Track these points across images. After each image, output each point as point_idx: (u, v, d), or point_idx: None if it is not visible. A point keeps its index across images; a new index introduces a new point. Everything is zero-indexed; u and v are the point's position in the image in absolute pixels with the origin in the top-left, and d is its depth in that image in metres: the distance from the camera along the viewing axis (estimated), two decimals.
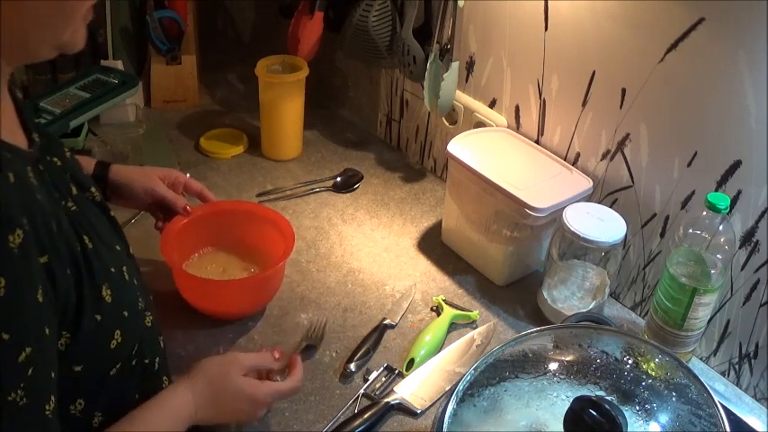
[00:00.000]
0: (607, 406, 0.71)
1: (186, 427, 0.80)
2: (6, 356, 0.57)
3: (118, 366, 0.73)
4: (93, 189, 0.80)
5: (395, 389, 1.00)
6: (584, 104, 1.13)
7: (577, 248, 1.07)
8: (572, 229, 1.04)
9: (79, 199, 0.73)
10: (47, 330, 0.61)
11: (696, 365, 1.08)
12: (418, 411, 0.98)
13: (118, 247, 0.77)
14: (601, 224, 1.06)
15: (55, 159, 0.73)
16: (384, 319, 1.11)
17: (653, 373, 0.82)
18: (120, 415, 0.75)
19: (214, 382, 0.83)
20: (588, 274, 1.09)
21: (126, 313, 0.73)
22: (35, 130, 0.72)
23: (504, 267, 1.18)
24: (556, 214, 1.11)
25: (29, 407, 0.59)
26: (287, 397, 0.93)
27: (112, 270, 0.72)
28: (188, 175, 1.16)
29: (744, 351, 1.04)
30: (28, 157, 0.67)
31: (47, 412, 0.61)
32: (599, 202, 1.16)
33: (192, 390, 0.81)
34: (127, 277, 0.75)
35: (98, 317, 0.68)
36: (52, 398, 0.62)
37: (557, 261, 1.10)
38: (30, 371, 0.59)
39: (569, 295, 1.12)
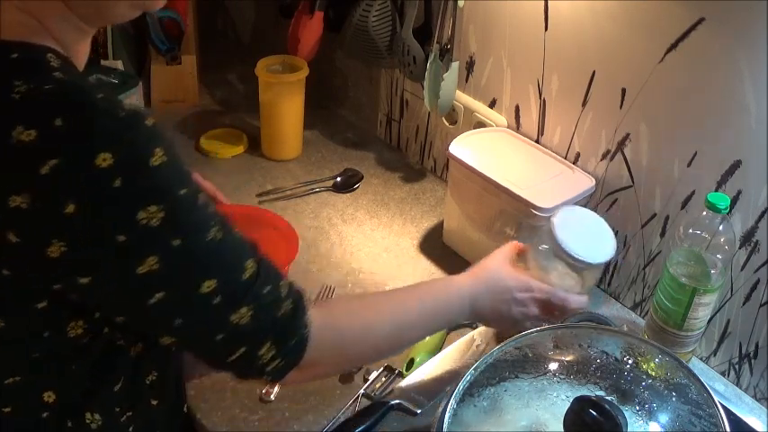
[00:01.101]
0: (607, 406, 0.71)
1: (462, 309, 0.90)
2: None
3: None
4: None
5: (395, 389, 1.00)
6: (584, 104, 1.13)
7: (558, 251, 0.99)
8: (558, 239, 0.95)
9: None
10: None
11: (696, 365, 1.08)
12: (418, 411, 0.98)
13: None
14: (589, 238, 0.97)
15: None
16: None
17: (653, 373, 0.82)
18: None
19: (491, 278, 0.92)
20: (564, 280, 1.00)
21: None
22: None
23: None
24: None
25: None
26: (568, 306, 0.94)
27: None
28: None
29: (744, 351, 1.04)
30: None
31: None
32: (599, 202, 1.16)
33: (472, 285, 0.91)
34: None
35: None
36: None
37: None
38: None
39: None
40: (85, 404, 0.74)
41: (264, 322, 0.70)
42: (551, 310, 0.93)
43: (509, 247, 0.98)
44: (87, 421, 0.74)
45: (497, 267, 0.94)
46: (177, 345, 0.71)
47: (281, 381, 0.75)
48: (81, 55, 0.71)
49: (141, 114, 0.62)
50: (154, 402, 0.80)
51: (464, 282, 0.92)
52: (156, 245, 0.62)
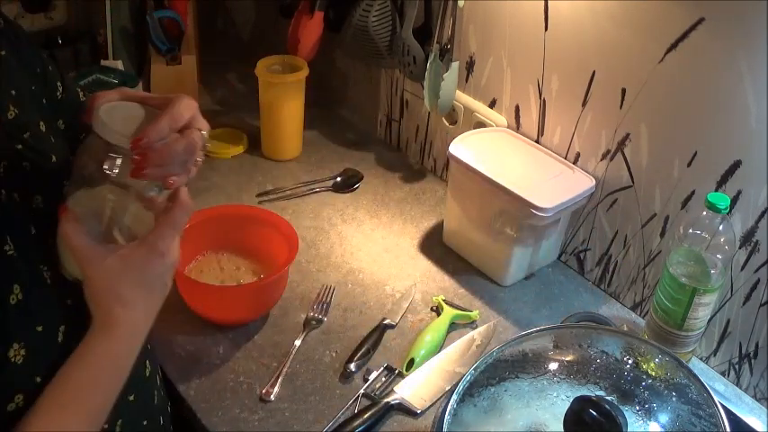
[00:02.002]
0: (607, 406, 0.71)
1: (122, 350, 0.69)
2: None
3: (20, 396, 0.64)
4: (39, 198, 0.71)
5: (395, 389, 1.00)
6: (584, 104, 1.13)
7: None
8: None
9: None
10: None
11: (696, 365, 1.08)
12: (418, 411, 0.98)
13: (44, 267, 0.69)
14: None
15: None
16: (384, 319, 1.11)
17: (653, 373, 0.82)
18: None
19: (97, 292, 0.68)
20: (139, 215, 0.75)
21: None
22: None
23: (508, 267, 1.18)
24: (561, 214, 1.12)
25: None
26: (175, 224, 0.70)
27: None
28: None
29: (744, 351, 1.04)
30: None
31: None
32: (599, 202, 1.16)
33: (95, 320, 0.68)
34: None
35: None
36: None
37: None
38: None
39: None
40: None
41: None
42: (167, 243, 0.69)
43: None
44: None
45: (101, 272, 0.67)
46: None
47: None
48: None
49: None
50: None
51: (92, 337, 0.68)
52: None
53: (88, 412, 0.68)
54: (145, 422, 0.84)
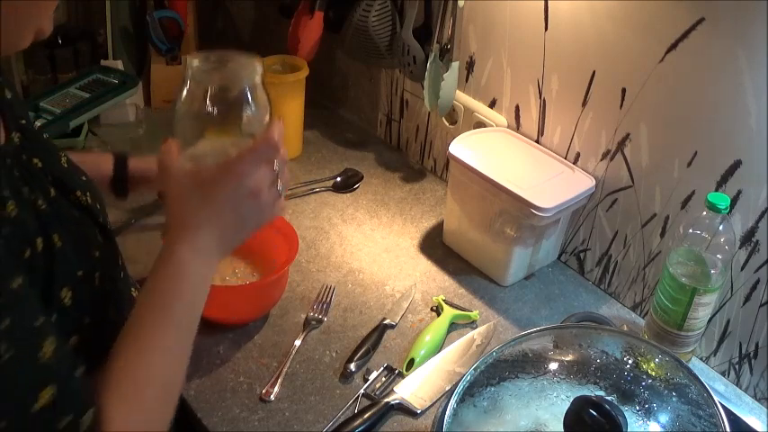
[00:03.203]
0: (607, 406, 0.71)
1: (199, 270, 0.72)
2: None
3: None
4: (79, 193, 0.77)
5: (395, 389, 1.00)
6: (584, 104, 1.13)
7: None
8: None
9: (56, 200, 0.71)
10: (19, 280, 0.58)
11: (696, 365, 1.08)
12: (418, 411, 0.98)
13: (97, 253, 0.74)
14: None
15: (35, 161, 0.72)
16: (384, 319, 1.11)
17: (653, 373, 0.82)
18: None
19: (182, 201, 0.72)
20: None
21: (87, 319, 0.70)
22: (17, 129, 0.72)
23: (508, 268, 1.18)
24: (561, 214, 1.12)
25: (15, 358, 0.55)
26: (258, 152, 0.74)
27: (79, 274, 0.69)
28: None
29: (744, 351, 1.04)
30: None
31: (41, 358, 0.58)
32: (599, 202, 1.16)
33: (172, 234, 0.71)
34: (97, 283, 0.72)
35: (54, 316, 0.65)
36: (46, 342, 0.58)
37: None
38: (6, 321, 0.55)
39: None
40: None
41: None
42: (267, 161, 0.75)
43: (167, 161, 0.75)
44: None
45: (176, 186, 0.73)
46: None
47: None
48: None
49: None
50: None
51: (173, 245, 0.72)
52: None
53: (177, 324, 0.71)
54: None
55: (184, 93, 0.74)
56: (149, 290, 0.71)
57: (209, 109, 0.72)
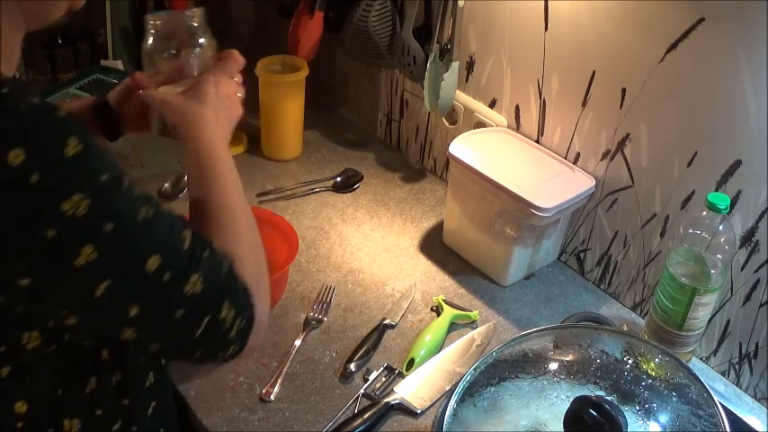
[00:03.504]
0: (607, 406, 0.71)
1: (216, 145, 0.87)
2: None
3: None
4: None
5: (395, 389, 1.00)
6: (584, 104, 1.13)
7: None
8: None
9: None
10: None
11: (696, 365, 1.08)
12: (418, 411, 0.98)
13: None
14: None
15: None
16: (384, 319, 1.11)
17: (653, 373, 0.82)
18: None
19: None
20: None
21: None
22: None
23: (508, 268, 1.18)
24: (561, 214, 1.12)
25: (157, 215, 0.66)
26: (224, 66, 0.98)
27: None
28: None
29: (744, 351, 1.04)
30: None
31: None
32: (599, 202, 1.16)
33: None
34: None
35: None
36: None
37: None
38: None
39: None
40: (60, 411, 0.72)
41: (216, 285, 0.70)
42: (231, 73, 1.00)
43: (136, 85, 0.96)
44: (66, 428, 0.72)
45: (175, 102, 0.90)
46: (139, 337, 0.68)
47: (245, 347, 0.74)
48: (15, 56, 0.69)
49: (49, 107, 0.60)
50: (126, 402, 0.78)
51: (195, 140, 0.87)
52: (89, 233, 0.60)
53: (232, 184, 0.86)
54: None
55: (149, 41, 0.98)
56: (194, 176, 0.84)
57: (165, 49, 0.99)
